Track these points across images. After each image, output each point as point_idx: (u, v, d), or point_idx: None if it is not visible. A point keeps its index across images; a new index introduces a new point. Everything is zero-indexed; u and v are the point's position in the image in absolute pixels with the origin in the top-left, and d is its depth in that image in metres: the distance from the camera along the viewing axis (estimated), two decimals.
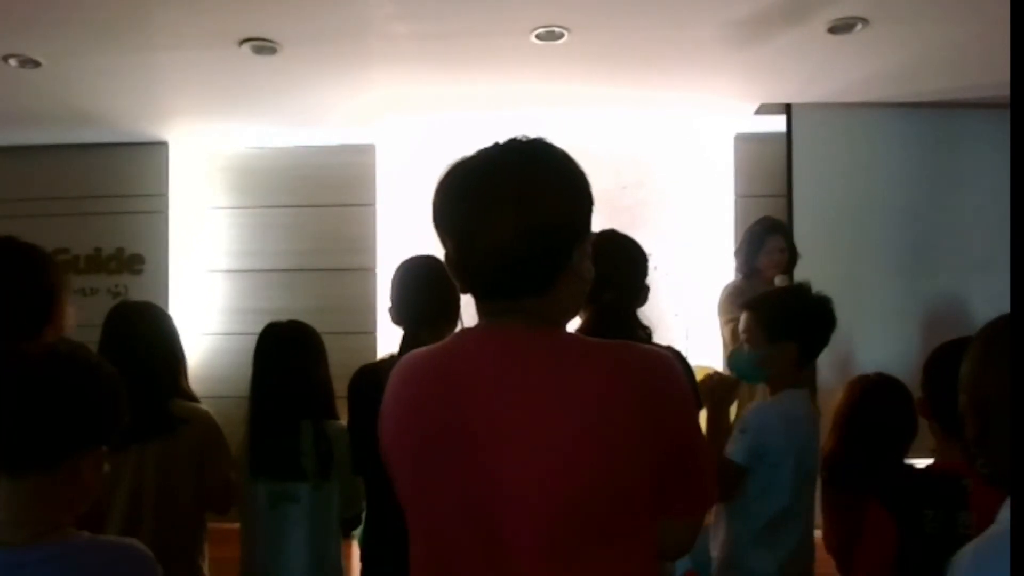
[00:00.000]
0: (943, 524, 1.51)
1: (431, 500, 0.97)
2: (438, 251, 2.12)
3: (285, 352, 2.16)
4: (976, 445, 1.02)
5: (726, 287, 3.44)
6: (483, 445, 0.92)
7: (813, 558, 1.92)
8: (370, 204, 4.31)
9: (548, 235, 0.95)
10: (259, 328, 2.23)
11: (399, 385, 1.04)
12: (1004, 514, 0.94)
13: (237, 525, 2.20)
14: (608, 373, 0.93)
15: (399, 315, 2.00)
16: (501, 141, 1.00)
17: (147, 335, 2.08)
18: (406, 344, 1.93)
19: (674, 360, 0.99)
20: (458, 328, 1.98)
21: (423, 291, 1.96)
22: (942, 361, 1.68)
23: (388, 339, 4.03)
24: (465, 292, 1.02)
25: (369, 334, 4.19)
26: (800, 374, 1.93)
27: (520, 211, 0.93)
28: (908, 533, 1.52)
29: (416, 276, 2.00)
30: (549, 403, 0.91)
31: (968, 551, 0.95)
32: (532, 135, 1.01)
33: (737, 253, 3.47)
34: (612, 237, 1.82)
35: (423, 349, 1.06)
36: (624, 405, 0.92)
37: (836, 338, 3.37)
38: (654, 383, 0.95)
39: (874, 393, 1.94)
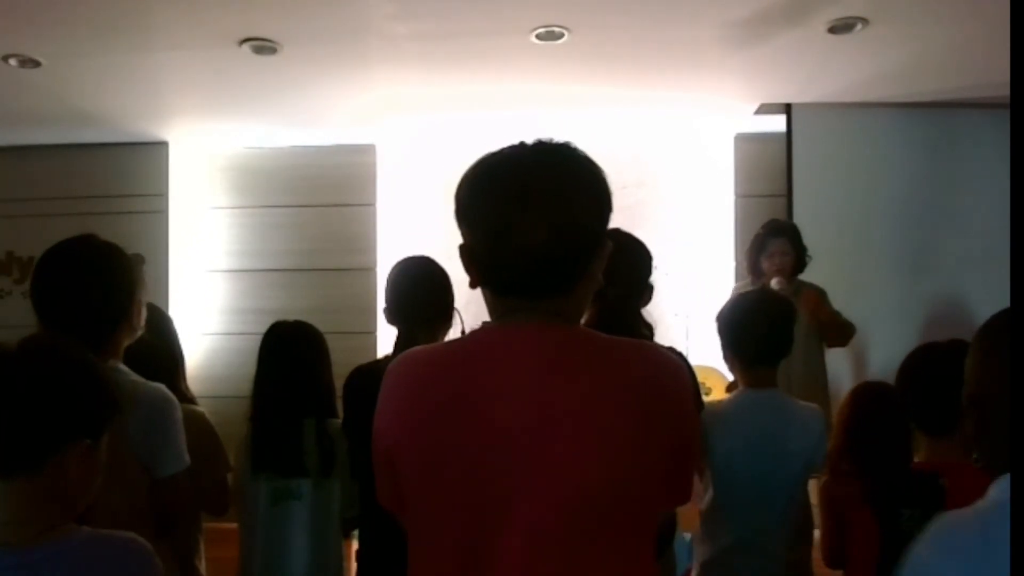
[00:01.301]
0: (920, 523, 1.52)
1: (444, 494, 0.97)
2: (438, 251, 2.14)
3: (290, 351, 2.16)
4: (975, 440, 1.05)
5: (734, 290, 3.47)
6: (504, 439, 0.93)
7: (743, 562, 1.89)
8: (370, 204, 4.31)
9: (578, 238, 0.96)
10: (259, 328, 2.24)
11: (404, 382, 1.03)
12: (994, 493, 0.95)
13: (236, 525, 2.20)
14: (620, 371, 0.95)
15: (394, 316, 2.00)
16: (529, 141, 1.01)
17: (145, 335, 2.08)
18: (401, 344, 1.93)
19: (679, 361, 1.01)
20: (453, 327, 2.00)
21: (419, 292, 1.96)
22: (917, 364, 1.68)
23: (388, 339, 4.03)
24: (475, 287, 1.02)
25: (369, 334, 4.19)
26: (751, 374, 1.92)
27: (555, 213, 0.95)
28: (888, 532, 1.54)
29: (411, 277, 2.00)
30: (567, 399, 0.93)
31: (953, 522, 0.97)
32: (560, 138, 1.02)
33: (745, 256, 3.47)
34: (618, 236, 1.82)
35: (427, 347, 1.07)
36: (638, 402, 0.93)
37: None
38: (665, 382, 0.97)
39: (875, 403, 1.93)
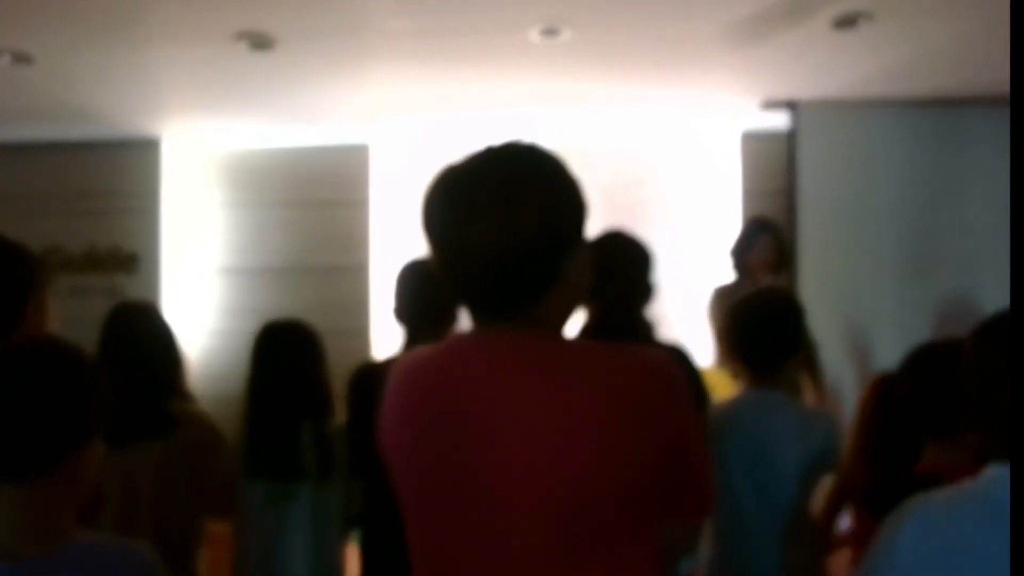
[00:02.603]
0: None
1: (430, 500, 0.96)
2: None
3: (285, 351, 2.14)
4: (980, 441, 1.04)
5: (714, 290, 3.50)
6: (479, 449, 0.92)
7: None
8: (364, 203, 4.28)
9: (530, 247, 0.93)
10: (252, 326, 2.22)
11: (398, 385, 1.03)
12: (981, 480, 0.96)
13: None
14: (601, 377, 0.92)
15: (400, 315, 2.02)
16: (494, 145, 0.98)
17: (146, 336, 2.08)
18: (407, 345, 1.96)
19: (671, 361, 0.97)
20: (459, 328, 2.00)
21: (423, 293, 1.97)
22: (918, 364, 1.66)
23: (383, 339, 4.02)
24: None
25: (363, 333, 4.16)
26: (755, 375, 1.90)
27: (500, 222, 0.92)
28: None
29: (416, 278, 2.02)
30: (540, 407, 0.90)
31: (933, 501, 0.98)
32: (526, 139, 0.99)
33: (731, 253, 3.51)
34: (617, 235, 1.82)
35: (422, 349, 1.06)
36: (617, 408, 0.90)
37: (839, 336, 3.39)
38: (649, 386, 0.94)
39: (896, 396, 1.90)
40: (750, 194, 4.07)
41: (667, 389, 0.95)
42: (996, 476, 0.94)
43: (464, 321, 1.96)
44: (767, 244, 3.37)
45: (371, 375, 2.00)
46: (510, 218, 0.92)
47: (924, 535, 0.94)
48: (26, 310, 1.53)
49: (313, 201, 4.31)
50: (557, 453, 0.89)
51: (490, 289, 0.95)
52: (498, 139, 1.00)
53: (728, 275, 3.59)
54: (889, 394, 1.88)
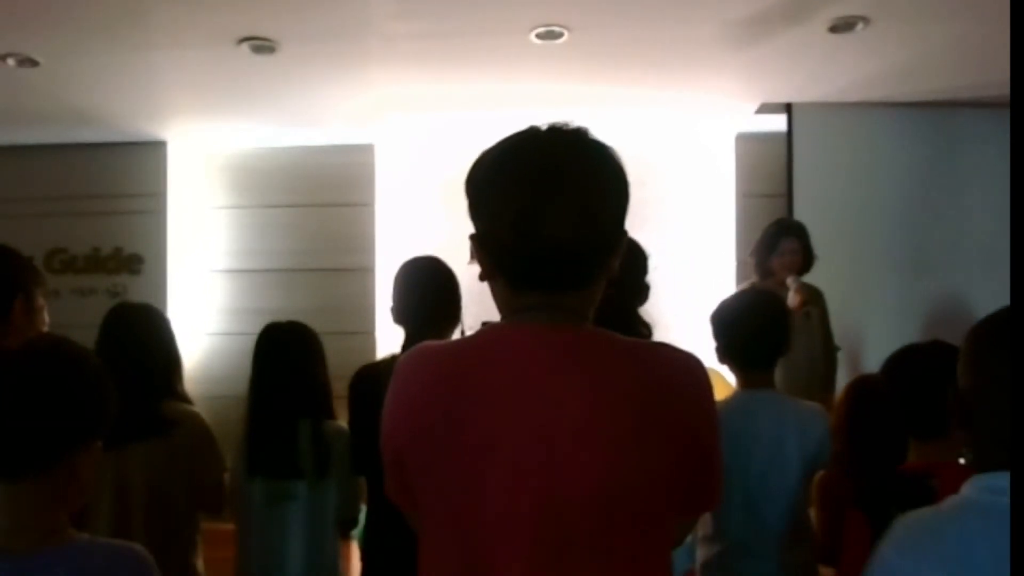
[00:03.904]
0: None
1: (449, 498, 0.94)
2: (437, 251, 2.12)
3: (284, 352, 2.16)
4: (965, 440, 1.04)
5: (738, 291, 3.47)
6: (508, 445, 0.90)
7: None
8: (369, 204, 4.30)
9: (609, 227, 0.93)
10: (257, 328, 2.23)
11: (414, 382, 0.98)
12: (965, 490, 0.95)
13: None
14: (637, 373, 0.92)
15: (401, 315, 2.00)
16: (542, 127, 0.97)
17: (143, 336, 2.08)
18: (409, 345, 1.93)
19: (698, 361, 0.97)
20: (459, 329, 1.99)
21: (426, 292, 1.96)
22: (898, 367, 1.67)
23: (387, 339, 4.02)
24: (485, 279, 0.99)
25: (367, 334, 4.18)
26: (746, 375, 1.92)
27: (588, 199, 0.91)
28: (879, 533, 1.53)
29: (419, 277, 2.00)
30: (573, 404, 0.90)
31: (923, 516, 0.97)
32: (574, 123, 0.98)
33: (752, 255, 3.46)
34: None
35: (437, 344, 1.03)
36: (651, 405, 0.91)
37: (835, 336, 3.39)
38: (682, 383, 0.94)
39: (868, 398, 1.92)
40: (746, 196, 4.07)
41: (698, 388, 0.95)
42: (991, 486, 0.92)
43: (465, 322, 1.99)
44: (791, 247, 3.25)
45: (373, 375, 2.00)
46: (597, 195, 0.91)
47: (915, 553, 0.92)
48: (12, 312, 1.54)
49: (318, 202, 4.32)
50: (580, 448, 0.88)
51: (561, 269, 0.92)
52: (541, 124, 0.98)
53: (732, 274, 3.58)
54: (867, 397, 1.90)
